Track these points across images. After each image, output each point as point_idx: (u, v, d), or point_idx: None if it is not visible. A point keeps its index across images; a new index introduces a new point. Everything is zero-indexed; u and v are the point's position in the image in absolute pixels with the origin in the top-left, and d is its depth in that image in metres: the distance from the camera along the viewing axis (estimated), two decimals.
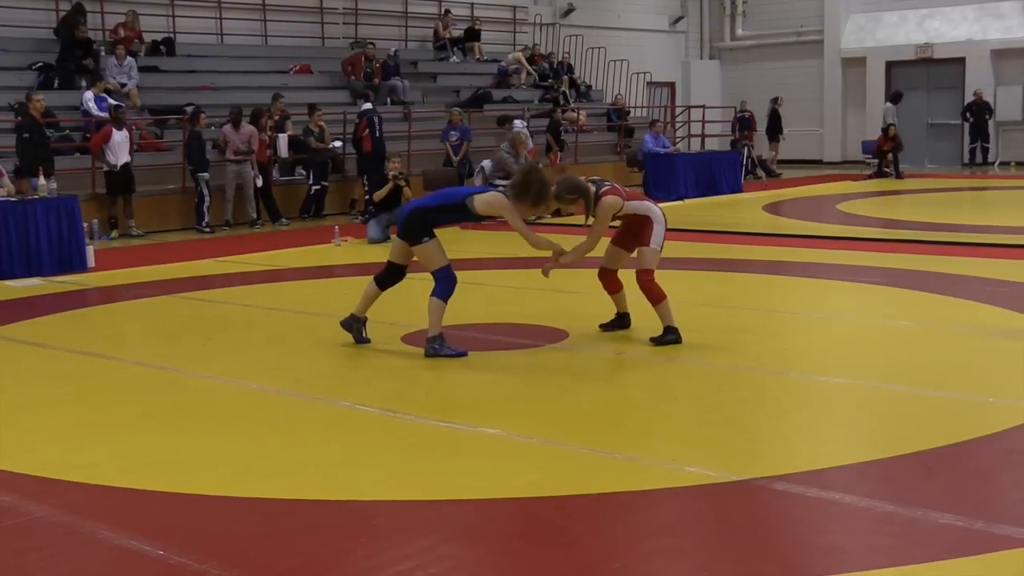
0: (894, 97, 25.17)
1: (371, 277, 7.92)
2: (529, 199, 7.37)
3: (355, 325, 7.82)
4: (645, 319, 7.83)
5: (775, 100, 26.41)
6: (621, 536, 4.28)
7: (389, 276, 7.79)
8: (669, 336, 7.56)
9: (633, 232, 7.83)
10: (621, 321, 8.09)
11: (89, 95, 16.17)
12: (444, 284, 7.40)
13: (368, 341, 7.81)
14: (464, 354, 7.38)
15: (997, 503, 4.54)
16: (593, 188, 7.68)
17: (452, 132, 16.35)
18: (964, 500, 4.52)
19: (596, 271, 8.07)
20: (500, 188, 7.49)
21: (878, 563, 3.91)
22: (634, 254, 7.86)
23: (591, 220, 7.70)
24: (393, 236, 7.83)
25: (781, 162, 26.51)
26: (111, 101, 16.17)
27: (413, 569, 3.95)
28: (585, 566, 3.98)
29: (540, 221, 16.23)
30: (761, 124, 26.17)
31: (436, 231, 7.46)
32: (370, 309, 7.85)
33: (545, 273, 7.77)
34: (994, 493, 4.70)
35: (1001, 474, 4.97)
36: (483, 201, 7.39)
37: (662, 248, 7.73)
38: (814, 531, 4.36)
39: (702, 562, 4.04)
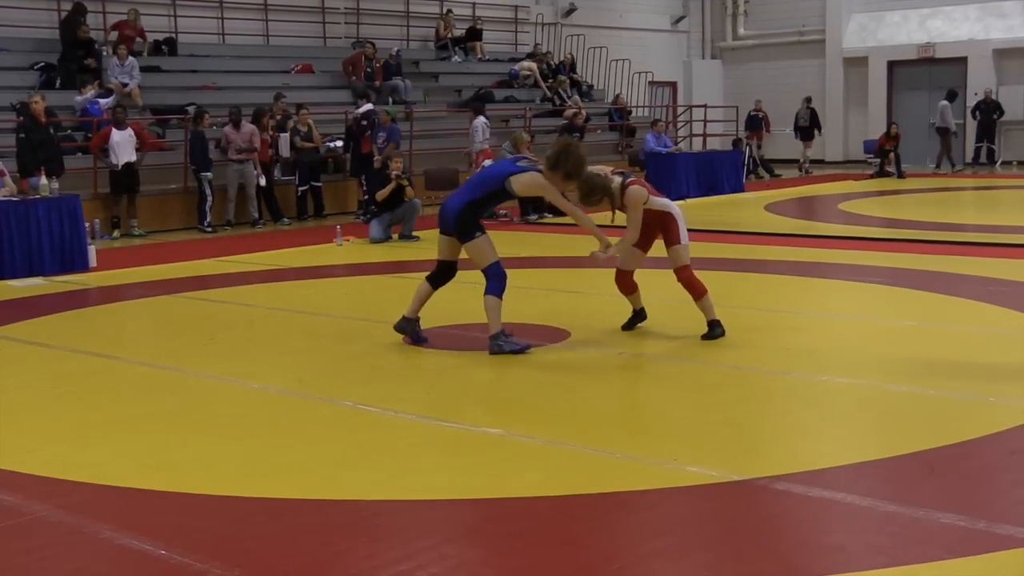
0: (950, 95, 25.23)
1: (423, 276, 7.87)
2: (562, 171, 7.33)
3: (408, 326, 7.77)
4: (655, 317, 7.82)
5: (808, 100, 26.51)
6: (622, 536, 4.28)
7: (442, 274, 7.77)
8: (716, 331, 7.70)
9: (650, 231, 7.86)
10: (638, 317, 8.13)
11: (80, 99, 16.23)
12: (497, 281, 7.42)
13: (425, 340, 7.77)
14: (528, 348, 7.42)
15: (999, 503, 4.54)
16: (618, 180, 7.76)
17: (380, 134, 16.29)
18: (966, 500, 4.53)
19: (597, 272, 8.07)
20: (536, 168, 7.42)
21: (880, 563, 3.92)
22: (647, 255, 7.98)
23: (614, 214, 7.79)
24: (439, 234, 7.75)
25: (780, 161, 26.50)
26: (103, 103, 16.20)
27: (414, 569, 3.96)
28: (586, 566, 3.98)
29: (541, 221, 16.25)
30: (784, 122, 26.27)
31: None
32: (369, 309, 7.85)
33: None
34: (996, 493, 4.70)
35: (1003, 474, 4.97)
36: (521, 182, 7.39)
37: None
38: (816, 531, 4.36)
39: (703, 562, 4.04)
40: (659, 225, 7.86)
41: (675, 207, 7.99)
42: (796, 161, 26.34)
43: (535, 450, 5.37)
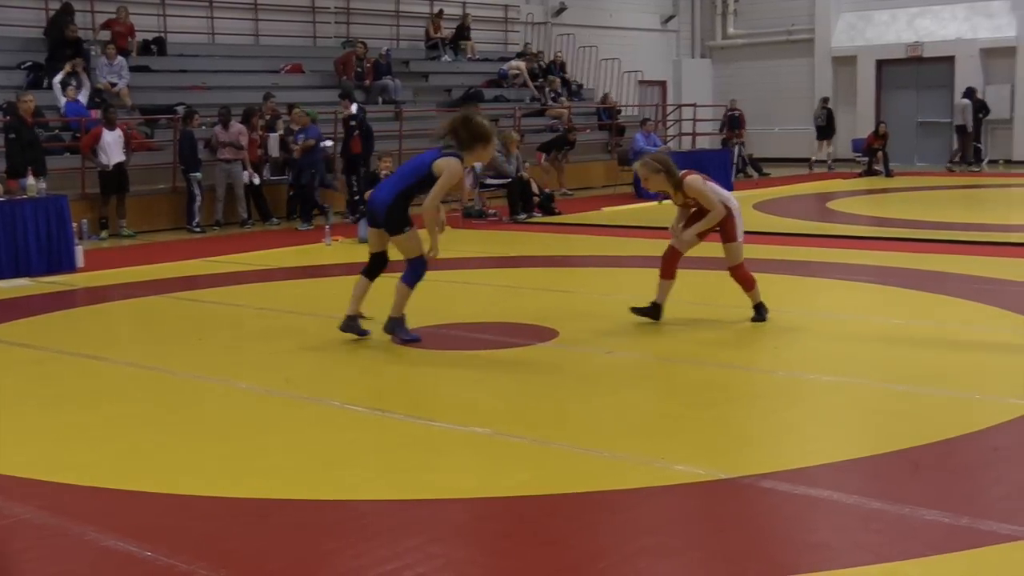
0: (968, 92, 25.25)
1: (358, 276, 7.98)
2: (469, 143, 7.54)
3: (352, 324, 7.88)
4: (640, 326, 7.83)
5: (825, 100, 26.59)
6: (609, 535, 4.29)
7: (375, 267, 7.92)
8: (763, 312, 8.17)
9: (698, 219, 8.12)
10: (655, 312, 8.17)
11: (58, 87, 16.20)
12: (415, 271, 7.67)
13: (367, 333, 7.88)
14: (418, 340, 7.67)
15: (982, 500, 4.56)
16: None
17: (299, 136, 16.25)
18: (950, 497, 4.54)
19: (586, 271, 8.09)
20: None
21: (865, 560, 3.93)
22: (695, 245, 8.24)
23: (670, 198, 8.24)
24: (369, 228, 7.97)
25: (770, 160, 26.55)
26: (82, 99, 16.17)
27: (402, 568, 3.96)
28: (573, 565, 3.99)
29: (530, 220, 16.26)
30: (771, 122, 26.31)
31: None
32: (363, 309, 7.86)
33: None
34: (979, 490, 4.72)
35: (987, 471, 4.99)
36: (439, 166, 7.54)
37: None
38: (801, 529, 4.38)
39: (690, 560, 4.05)
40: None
41: (734, 202, 8.22)
42: (787, 160, 26.33)
43: (523, 450, 5.37)
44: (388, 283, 7.82)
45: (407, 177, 7.70)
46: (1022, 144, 26.30)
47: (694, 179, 8.02)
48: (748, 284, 8.20)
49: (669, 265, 8.18)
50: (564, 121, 22.32)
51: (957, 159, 25.51)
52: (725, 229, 8.08)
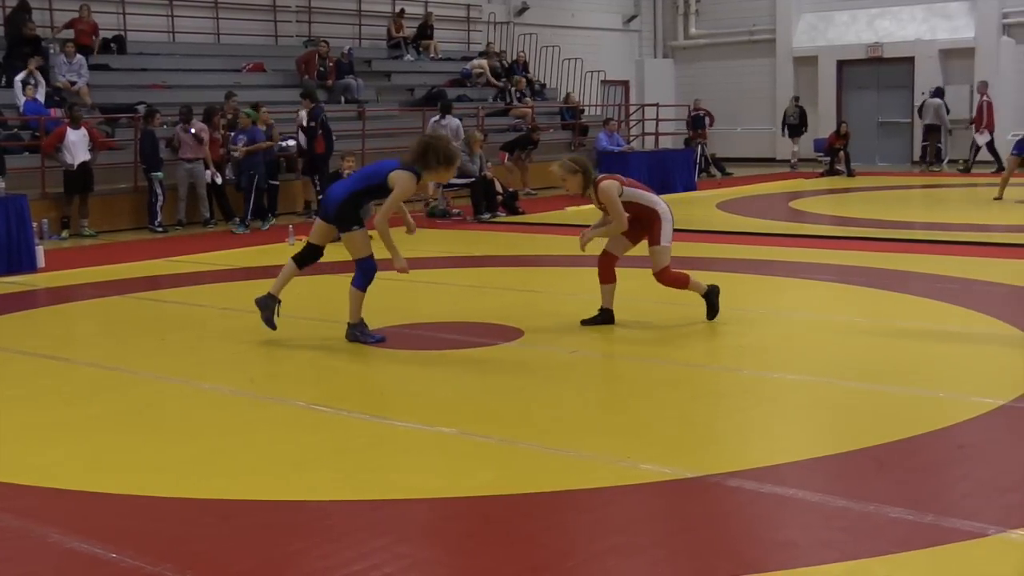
0: (937, 92, 25.40)
1: (290, 258, 8.08)
2: (434, 165, 7.57)
3: (270, 303, 7.95)
4: (622, 319, 7.84)
5: (796, 99, 26.78)
6: (576, 534, 4.29)
7: (309, 256, 8.03)
8: (712, 297, 8.08)
9: (640, 223, 7.95)
10: (604, 316, 8.10)
11: (19, 85, 16.05)
12: (364, 274, 7.71)
13: (275, 327, 7.90)
14: (383, 340, 7.70)
15: (946, 497, 4.60)
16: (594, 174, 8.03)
17: (240, 136, 16.14)
18: (915, 494, 4.58)
19: (550, 271, 8.09)
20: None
21: (830, 557, 3.96)
22: (634, 248, 8.12)
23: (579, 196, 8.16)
24: (318, 219, 8.06)
25: (732, 160, 26.68)
26: (39, 98, 16.03)
27: (368, 569, 3.95)
28: (540, 564, 3.99)
29: (494, 220, 16.26)
30: (735, 121, 26.44)
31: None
32: (321, 308, 7.84)
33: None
34: (944, 487, 4.76)
35: (951, 468, 5.04)
36: (393, 178, 7.58)
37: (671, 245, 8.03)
38: (768, 527, 4.40)
39: (657, 559, 4.06)
40: (645, 221, 7.93)
41: (664, 206, 8.04)
42: (749, 160, 26.46)
43: (489, 449, 5.37)
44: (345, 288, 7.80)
45: (362, 180, 7.80)
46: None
47: (608, 185, 7.88)
48: (680, 283, 8.08)
49: (606, 269, 8.09)
50: (528, 121, 22.33)
51: (932, 159, 25.54)
52: (652, 232, 7.94)
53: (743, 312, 8.45)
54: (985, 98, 24.04)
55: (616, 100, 29.31)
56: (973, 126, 24.18)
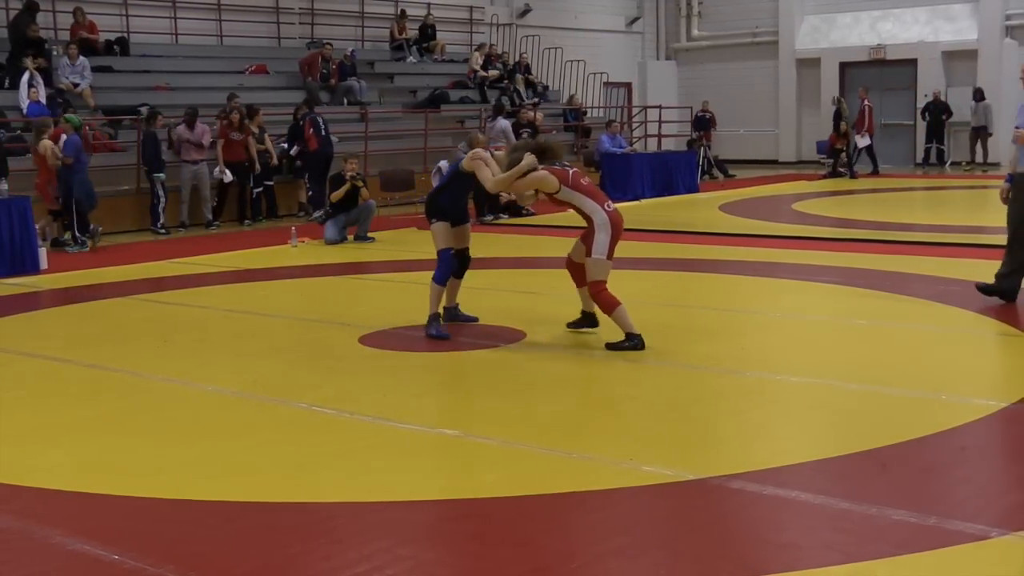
0: (976, 94, 25.27)
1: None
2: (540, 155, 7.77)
3: (455, 314, 8.31)
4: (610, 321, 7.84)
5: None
6: (579, 536, 4.30)
7: (457, 263, 8.29)
8: (626, 343, 7.40)
9: (591, 231, 7.81)
10: (588, 320, 8.03)
11: (24, 87, 16.04)
12: (440, 267, 7.96)
13: (476, 318, 8.35)
14: (446, 337, 7.85)
15: (949, 499, 4.60)
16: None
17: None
18: (917, 496, 4.58)
19: (552, 272, 8.09)
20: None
21: (833, 560, 3.96)
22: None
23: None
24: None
25: (735, 162, 26.67)
26: (42, 98, 16.00)
27: (371, 571, 3.95)
28: (543, 566, 3.99)
29: (497, 222, 16.26)
30: (737, 123, 26.39)
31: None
32: (324, 310, 7.85)
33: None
34: (946, 489, 4.76)
35: (953, 470, 5.04)
36: (463, 164, 7.96)
37: (610, 256, 7.51)
38: (770, 529, 4.40)
39: (659, 561, 4.06)
40: (591, 227, 7.61)
41: (602, 216, 7.51)
42: (752, 161, 26.40)
43: (492, 451, 5.37)
44: (364, 286, 7.79)
45: (443, 178, 8.33)
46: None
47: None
48: (606, 306, 7.46)
49: (576, 274, 7.88)
50: (533, 120, 22.30)
51: (970, 160, 25.36)
52: (588, 241, 7.56)
53: (746, 314, 8.44)
54: (866, 103, 24.34)
55: (619, 102, 29.31)
56: (854, 128, 24.25)
